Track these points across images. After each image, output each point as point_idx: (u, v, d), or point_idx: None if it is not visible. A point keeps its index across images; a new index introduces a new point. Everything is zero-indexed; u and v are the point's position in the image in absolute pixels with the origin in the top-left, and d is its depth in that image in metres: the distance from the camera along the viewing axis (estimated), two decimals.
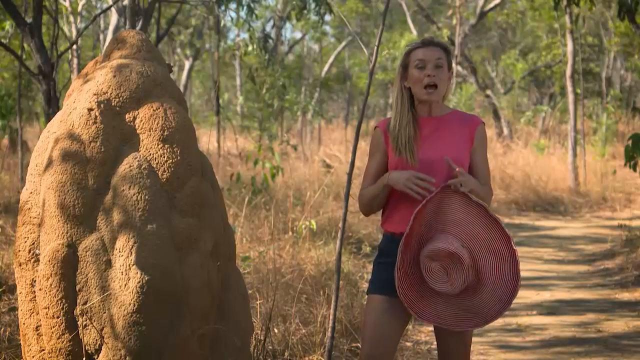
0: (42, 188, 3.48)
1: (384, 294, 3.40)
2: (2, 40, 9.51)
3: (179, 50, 26.36)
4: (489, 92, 20.88)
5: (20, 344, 4.19)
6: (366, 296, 6.28)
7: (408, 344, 5.69)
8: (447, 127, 3.43)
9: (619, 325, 6.25)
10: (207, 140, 18.40)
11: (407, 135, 3.38)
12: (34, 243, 3.52)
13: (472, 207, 3.31)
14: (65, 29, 13.57)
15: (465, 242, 3.29)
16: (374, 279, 3.48)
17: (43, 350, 3.44)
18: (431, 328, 5.44)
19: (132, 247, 3.29)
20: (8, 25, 11.23)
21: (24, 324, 3.54)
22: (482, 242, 3.31)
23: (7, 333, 4.85)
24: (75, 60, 12.38)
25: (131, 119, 3.53)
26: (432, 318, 3.33)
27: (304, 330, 5.20)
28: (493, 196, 3.72)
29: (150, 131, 3.50)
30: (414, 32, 21.94)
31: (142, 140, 3.50)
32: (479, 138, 3.45)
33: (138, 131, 3.51)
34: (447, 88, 3.45)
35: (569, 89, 15.09)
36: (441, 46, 3.43)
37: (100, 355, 3.34)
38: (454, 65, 3.71)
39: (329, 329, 4.41)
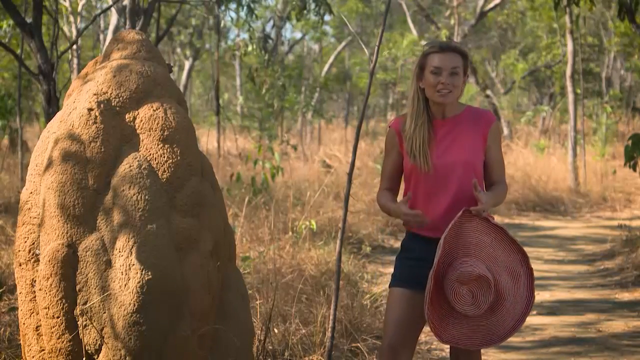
0: (42, 188, 3.48)
1: (406, 287, 3.48)
2: (2, 40, 9.51)
3: (179, 50, 26.36)
4: (489, 92, 20.88)
5: (20, 344, 4.19)
6: (366, 296, 6.28)
7: None
8: (460, 129, 3.46)
9: (619, 325, 6.25)
10: (207, 140, 18.40)
11: (422, 138, 3.42)
12: (34, 243, 3.52)
13: (491, 229, 3.37)
14: (65, 29, 13.57)
15: (488, 265, 3.35)
16: (396, 273, 3.56)
17: (43, 350, 3.44)
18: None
19: (132, 247, 3.29)
20: (5, 24, 11.21)
21: (24, 324, 3.54)
22: (501, 263, 3.37)
23: (7, 333, 4.85)
24: (75, 60, 12.38)
25: (131, 119, 3.53)
26: (450, 339, 3.38)
27: (304, 330, 5.19)
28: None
29: (150, 131, 3.50)
30: (414, 32, 21.93)
31: (142, 140, 3.50)
32: (493, 136, 3.50)
33: (138, 131, 3.51)
34: (462, 90, 3.49)
35: (569, 89, 15.08)
36: (458, 52, 3.46)
37: (100, 355, 3.34)
38: None
39: (329, 329, 4.41)
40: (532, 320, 6.42)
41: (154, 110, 3.52)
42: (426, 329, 6.05)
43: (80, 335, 3.35)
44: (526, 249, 10.43)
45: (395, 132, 3.52)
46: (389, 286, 3.57)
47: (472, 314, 3.30)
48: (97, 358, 3.35)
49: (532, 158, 16.17)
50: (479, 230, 3.36)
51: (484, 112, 3.53)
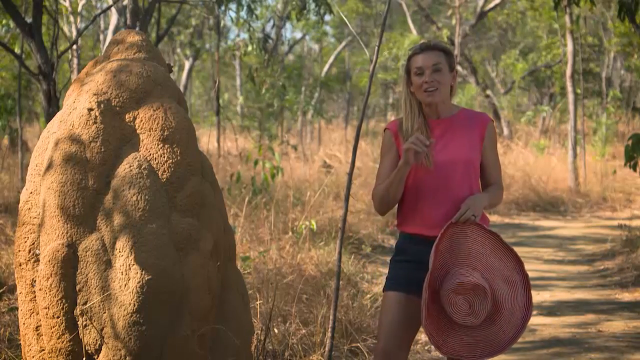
0: (42, 188, 3.48)
1: (399, 290, 3.46)
2: (2, 40, 9.51)
3: (179, 50, 26.36)
4: (489, 92, 20.87)
5: (20, 344, 4.20)
6: (366, 296, 6.28)
7: None
8: (456, 128, 3.47)
9: (619, 325, 6.25)
10: (207, 140, 18.37)
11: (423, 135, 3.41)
12: (34, 243, 3.52)
13: (486, 237, 3.36)
14: (65, 29, 13.57)
15: (484, 274, 3.33)
16: (390, 277, 3.53)
17: (43, 350, 3.44)
18: None
19: (132, 247, 3.29)
20: (2, 22, 11.19)
21: (24, 324, 3.54)
22: (497, 271, 3.35)
23: (7, 333, 4.85)
24: (75, 60, 12.38)
25: (131, 119, 3.53)
26: (450, 351, 3.36)
27: (304, 330, 5.19)
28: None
29: (150, 131, 3.50)
30: (414, 32, 21.92)
31: (142, 140, 3.50)
32: (489, 136, 3.51)
33: (138, 131, 3.51)
34: (453, 88, 3.48)
35: (569, 89, 15.08)
36: (439, 49, 3.45)
37: (100, 355, 3.34)
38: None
39: (329, 329, 4.41)
40: (532, 320, 6.41)
41: (154, 110, 3.52)
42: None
43: (80, 335, 3.35)
44: (526, 249, 10.42)
45: (392, 133, 3.52)
46: (383, 290, 3.55)
47: (471, 323, 3.28)
48: (97, 358, 3.35)
49: (532, 158, 16.18)
50: (473, 239, 3.35)
51: (480, 114, 3.54)
